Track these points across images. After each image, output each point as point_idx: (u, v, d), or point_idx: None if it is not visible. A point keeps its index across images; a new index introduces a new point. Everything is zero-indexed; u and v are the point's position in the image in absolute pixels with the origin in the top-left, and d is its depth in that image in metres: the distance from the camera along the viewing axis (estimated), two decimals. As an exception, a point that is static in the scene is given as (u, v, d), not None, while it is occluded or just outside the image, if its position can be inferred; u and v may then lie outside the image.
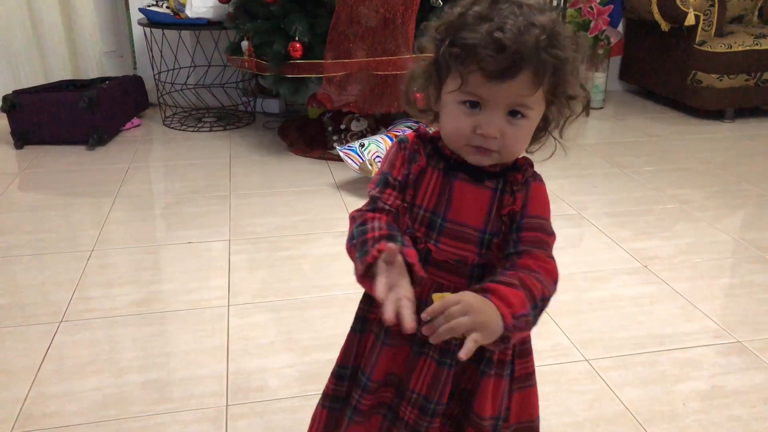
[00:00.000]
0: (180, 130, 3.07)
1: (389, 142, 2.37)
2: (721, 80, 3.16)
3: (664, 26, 3.21)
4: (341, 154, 2.33)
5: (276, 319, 1.56)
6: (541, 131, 0.79)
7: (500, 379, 0.81)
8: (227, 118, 3.22)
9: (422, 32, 0.77)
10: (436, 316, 0.66)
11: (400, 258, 0.68)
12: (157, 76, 3.11)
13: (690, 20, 3.07)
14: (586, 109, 0.79)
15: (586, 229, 2.01)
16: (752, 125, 3.25)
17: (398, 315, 0.64)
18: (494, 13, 0.69)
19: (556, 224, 0.79)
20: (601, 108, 3.52)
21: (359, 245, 0.72)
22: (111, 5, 3.41)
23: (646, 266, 1.82)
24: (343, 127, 2.72)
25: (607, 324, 1.55)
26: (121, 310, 1.59)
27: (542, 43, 0.68)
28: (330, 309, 1.60)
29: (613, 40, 3.52)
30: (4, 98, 2.71)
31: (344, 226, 2.03)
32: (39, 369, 1.37)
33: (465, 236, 0.77)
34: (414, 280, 0.68)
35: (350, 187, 2.37)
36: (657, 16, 3.20)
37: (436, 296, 0.68)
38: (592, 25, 3.39)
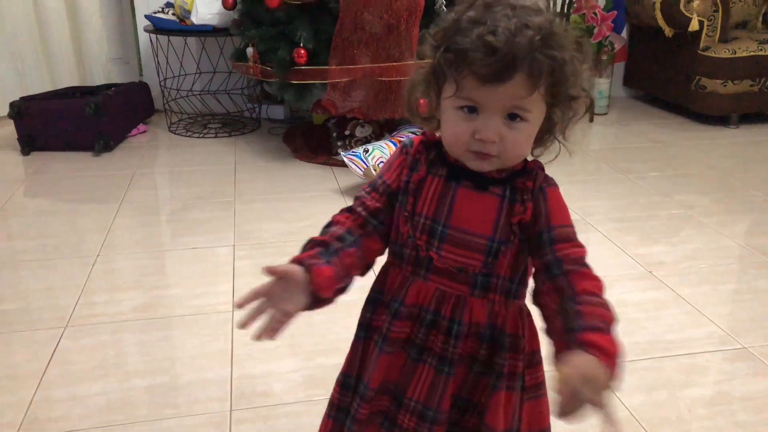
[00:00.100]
0: (185, 136, 3.08)
1: (393, 148, 2.37)
2: (725, 86, 3.15)
3: (668, 32, 3.21)
4: (345, 159, 2.34)
5: (280, 324, 1.56)
6: (546, 134, 0.77)
7: (512, 391, 0.81)
8: (232, 125, 3.23)
9: (423, 39, 0.77)
10: (568, 401, 0.63)
11: (298, 275, 0.72)
12: (162, 83, 3.13)
13: (694, 26, 3.07)
14: (590, 111, 0.78)
15: (591, 235, 2.01)
16: (757, 131, 3.25)
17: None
18: (487, 17, 0.68)
19: (561, 229, 0.79)
20: (605, 114, 3.51)
21: (304, 243, 0.78)
22: (117, 12, 3.43)
23: (651, 272, 1.82)
24: (347, 133, 2.73)
25: (611, 329, 1.55)
26: (126, 315, 1.60)
27: (536, 44, 0.67)
28: (334, 314, 1.58)
29: (617, 46, 3.52)
30: (12, 105, 2.72)
31: (349, 232, 2.04)
32: (44, 373, 1.38)
33: (470, 244, 0.76)
34: (320, 299, 0.75)
35: (354, 192, 2.37)
36: (661, 22, 3.20)
37: (558, 378, 0.64)
38: (595, 30, 3.39)
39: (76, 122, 2.74)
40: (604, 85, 3.48)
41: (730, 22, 3.27)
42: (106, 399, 1.31)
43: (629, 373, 1.39)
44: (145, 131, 3.12)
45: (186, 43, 3.21)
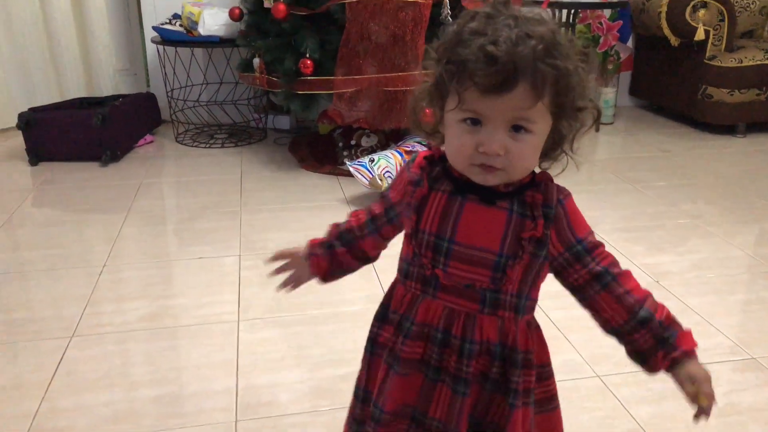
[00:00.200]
0: (192, 146, 3.09)
1: (399, 158, 2.38)
2: (732, 95, 3.15)
3: (674, 41, 3.21)
4: (351, 169, 2.34)
5: (286, 334, 1.56)
6: (555, 147, 0.75)
7: (527, 407, 0.80)
8: (239, 135, 3.25)
9: (426, 53, 0.76)
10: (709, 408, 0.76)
11: (298, 260, 0.93)
12: (169, 94, 3.15)
13: (700, 35, 3.07)
14: (596, 122, 0.76)
15: (598, 245, 1.99)
16: (764, 140, 3.24)
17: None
18: (489, 28, 0.67)
19: (567, 239, 0.78)
20: (612, 123, 3.51)
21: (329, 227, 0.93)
22: (125, 24, 3.46)
23: (658, 281, 1.81)
24: (353, 142, 2.74)
25: (619, 340, 1.54)
26: (133, 324, 1.60)
27: (539, 54, 0.66)
28: (341, 324, 1.60)
29: (622, 56, 3.53)
30: (20, 116, 2.75)
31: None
32: (50, 383, 1.38)
33: (477, 259, 0.75)
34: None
35: (360, 202, 2.37)
36: (666, 32, 3.20)
37: (701, 400, 0.76)
38: (601, 40, 3.40)
39: (84, 133, 2.75)
40: (610, 95, 3.48)
41: (736, 31, 3.26)
42: (111, 409, 1.30)
43: (637, 384, 1.38)
44: (152, 142, 3.14)
45: (193, 54, 3.23)
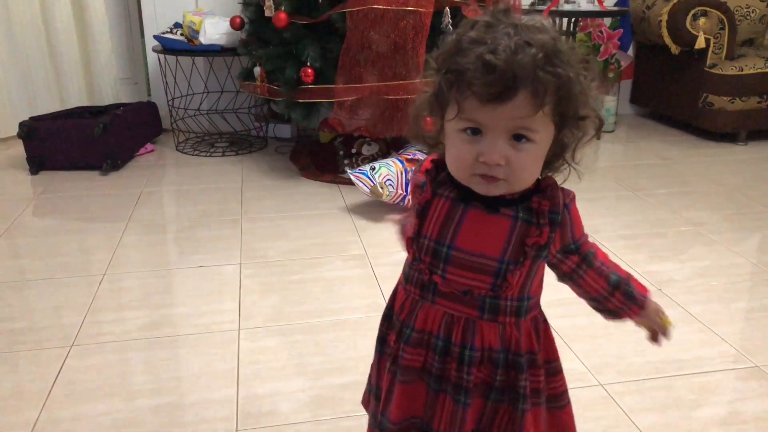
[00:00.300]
0: (193, 155, 3.09)
1: (400, 166, 2.37)
2: (733, 103, 3.15)
3: (675, 49, 3.21)
4: (352, 177, 2.34)
5: (287, 342, 1.56)
6: (557, 157, 0.75)
7: (538, 407, 0.80)
8: (239, 143, 3.25)
9: (426, 63, 0.75)
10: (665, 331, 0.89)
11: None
12: (170, 102, 3.15)
13: (700, 43, 3.08)
14: (598, 132, 0.75)
15: (600, 252, 1.99)
16: (766, 147, 3.23)
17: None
18: (488, 36, 0.67)
19: (570, 246, 0.78)
20: (613, 131, 3.51)
21: None
22: (126, 33, 3.47)
23: (660, 289, 1.80)
24: (354, 151, 2.73)
25: (621, 348, 1.53)
26: (133, 333, 1.59)
27: (539, 62, 0.65)
28: (342, 332, 1.59)
29: (623, 64, 3.53)
30: (21, 125, 2.75)
31: (355, 250, 2.04)
32: (50, 392, 1.37)
33: (478, 266, 0.75)
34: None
35: (361, 210, 2.37)
36: (667, 40, 3.20)
37: (666, 322, 0.88)
38: (602, 48, 3.41)
39: (85, 142, 2.75)
40: (611, 103, 3.48)
41: (737, 39, 3.27)
42: (111, 418, 1.30)
43: (640, 393, 1.37)
44: (152, 150, 3.14)
45: (194, 62, 3.24)
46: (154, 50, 3.10)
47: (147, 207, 2.44)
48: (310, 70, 2.44)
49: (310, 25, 2.49)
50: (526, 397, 0.78)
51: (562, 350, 1.49)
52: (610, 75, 3.49)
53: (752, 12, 3.47)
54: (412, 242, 0.78)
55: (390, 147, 2.78)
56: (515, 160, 0.69)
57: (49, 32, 3.13)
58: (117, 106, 3.10)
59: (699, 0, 3.10)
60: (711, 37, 3.11)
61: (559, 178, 0.78)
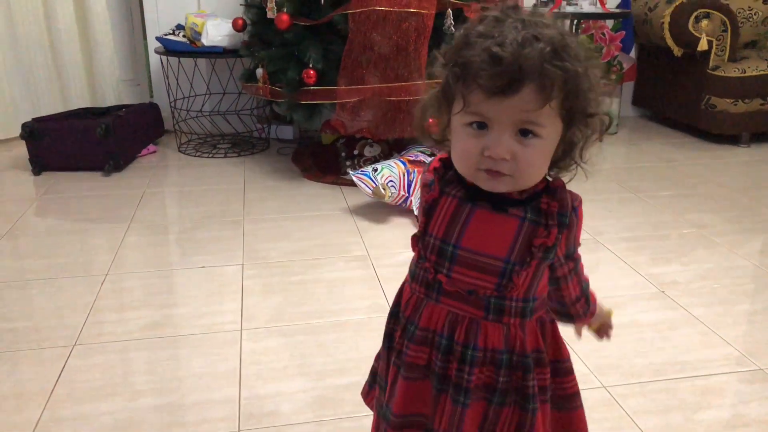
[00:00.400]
0: (195, 156, 3.10)
1: (402, 167, 2.37)
2: (735, 105, 3.14)
3: (677, 51, 3.21)
4: (354, 178, 2.34)
5: (289, 343, 1.55)
6: (566, 157, 0.73)
7: (545, 404, 0.79)
8: (242, 145, 3.25)
9: (434, 60, 0.75)
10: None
11: None
12: (173, 104, 3.15)
13: (703, 45, 3.08)
14: (602, 132, 0.74)
15: (603, 255, 1.99)
16: (768, 150, 3.23)
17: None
18: (496, 30, 0.66)
19: (573, 248, 0.78)
20: (615, 133, 3.51)
21: None
22: (129, 34, 3.48)
23: (663, 291, 1.80)
24: (356, 152, 2.73)
25: (624, 350, 1.53)
26: (135, 334, 1.59)
27: (547, 56, 0.64)
28: (343, 333, 1.59)
29: (625, 66, 3.53)
30: (23, 126, 2.75)
31: (357, 251, 2.04)
32: (52, 392, 1.37)
33: (483, 266, 0.75)
34: None
35: (363, 211, 2.37)
36: (669, 42, 3.20)
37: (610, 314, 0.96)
38: (604, 51, 3.41)
39: (87, 143, 2.76)
40: (613, 105, 3.48)
41: (739, 41, 3.27)
42: (113, 418, 1.29)
43: (642, 395, 1.37)
44: (155, 151, 3.14)
45: (196, 64, 3.25)
46: (156, 52, 3.10)
47: (149, 208, 2.44)
48: (312, 72, 2.44)
49: (313, 27, 2.49)
50: (535, 396, 0.77)
51: (564, 352, 1.49)
52: (613, 77, 3.49)
53: (755, 14, 3.47)
54: (417, 240, 0.78)
55: (392, 148, 2.78)
56: (521, 156, 0.68)
57: (52, 34, 3.14)
58: (119, 107, 3.10)
59: (702, 2, 3.09)
60: (713, 39, 3.11)
61: (565, 178, 0.77)
